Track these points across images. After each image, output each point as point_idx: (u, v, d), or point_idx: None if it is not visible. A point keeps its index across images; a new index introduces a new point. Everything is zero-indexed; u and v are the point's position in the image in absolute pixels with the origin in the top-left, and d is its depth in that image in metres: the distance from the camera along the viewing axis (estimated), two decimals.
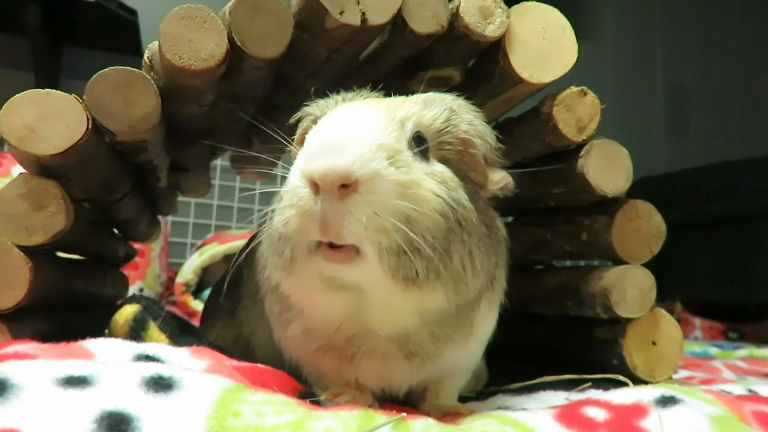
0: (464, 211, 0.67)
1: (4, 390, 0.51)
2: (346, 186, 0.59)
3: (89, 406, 0.51)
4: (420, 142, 0.69)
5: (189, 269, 2.43)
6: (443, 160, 0.71)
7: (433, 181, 0.66)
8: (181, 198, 1.54)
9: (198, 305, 2.32)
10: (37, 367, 0.56)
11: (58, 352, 0.66)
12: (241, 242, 1.90)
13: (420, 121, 0.70)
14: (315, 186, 0.60)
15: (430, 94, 0.75)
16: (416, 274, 0.63)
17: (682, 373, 1.30)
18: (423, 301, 0.67)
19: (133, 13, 2.50)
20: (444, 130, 0.71)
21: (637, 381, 0.92)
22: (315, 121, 0.74)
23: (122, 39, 2.52)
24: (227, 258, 2.37)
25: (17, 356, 0.62)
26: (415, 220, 0.62)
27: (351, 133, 0.62)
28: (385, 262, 0.62)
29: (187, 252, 2.82)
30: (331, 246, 0.62)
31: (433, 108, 0.72)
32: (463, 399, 0.87)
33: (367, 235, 0.60)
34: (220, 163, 2.79)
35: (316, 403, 0.66)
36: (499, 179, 0.74)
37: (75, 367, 0.56)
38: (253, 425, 0.54)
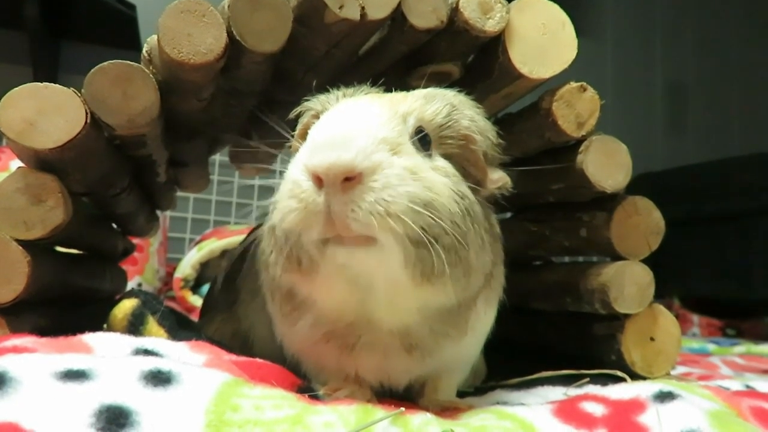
0: (469, 204, 0.68)
1: (3, 384, 0.51)
2: (349, 179, 0.59)
3: (88, 399, 0.51)
4: (422, 137, 0.69)
5: (187, 264, 2.42)
6: (445, 156, 0.71)
7: (437, 174, 0.66)
8: (179, 193, 1.54)
9: (197, 300, 2.32)
10: (35, 360, 0.56)
11: (56, 346, 0.66)
12: (240, 237, 1.90)
13: (422, 116, 0.70)
14: (318, 180, 0.60)
15: (430, 90, 0.75)
16: (432, 270, 0.62)
17: (680, 370, 1.30)
18: (431, 297, 0.67)
19: (131, 7, 2.49)
20: (445, 125, 0.71)
21: (635, 377, 0.93)
22: (316, 116, 0.74)
23: (121, 33, 2.51)
24: (226, 253, 2.36)
25: (16, 350, 0.62)
26: (429, 202, 0.62)
27: (354, 127, 0.62)
28: (408, 254, 0.61)
29: (186, 247, 2.82)
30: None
31: (434, 103, 0.72)
32: (461, 394, 0.87)
33: (377, 222, 0.59)
34: (218, 158, 2.78)
35: (315, 397, 0.67)
36: (498, 178, 0.75)
37: (74, 361, 0.56)
38: (252, 419, 0.54)
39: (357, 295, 0.66)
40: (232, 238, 2.42)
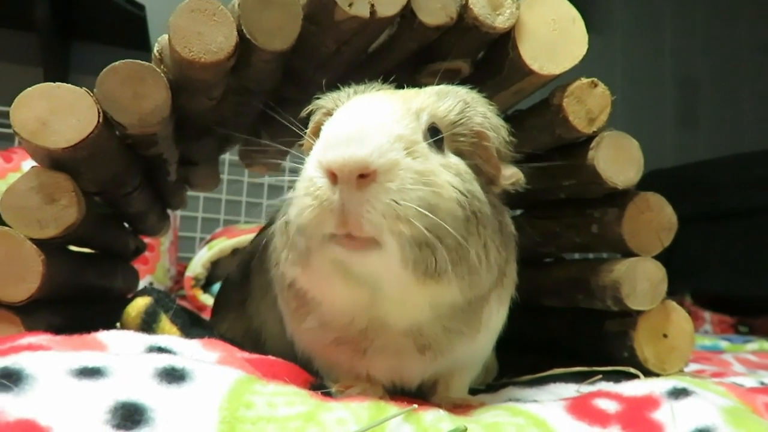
0: (479, 203, 0.68)
1: (20, 380, 0.51)
2: (364, 176, 0.59)
3: (103, 396, 0.51)
4: (435, 134, 0.69)
5: (198, 263, 2.44)
6: (457, 153, 0.71)
7: (449, 172, 0.66)
8: (189, 192, 1.54)
9: (207, 299, 2.33)
10: (51, 358, 0.56)
11: (71, 344, 0.67)
12: (250, 236, 1.91)
13: (434, 113, 0.70)
14: (333, 176, 0.60)
15: (442, 87, 0.74)
16: (435, 269, 0.63)
17: (693, 367, 1.29)
18: (438, 294, 0.67)
19: (140, 7, 2.50)
20: (458, 122, 0.71)
21: (648, 374, 0.92)
22: (328, 114, 0.74)
23: (130, 33, 2.53)
24: (236, 252, 2.37)
25: (31, 348, 0.62)
26: (436, 207, 0.62)
27: (369, 123, 0.62)
28: (406, 255, 0.61)
29: (196, 246, 2.83)
30: (348, 236, 0.62)
31: (446, 100, 0.72)
32: (473, 391, 0.87)
33: (387, 224, 0.59)
34: (228, 157, 2.79)
35: (327, 394, 0.67)
36: (511, 174, 0.74)
37: (88, 359, 0.57)
38: (265, 416, 0.54)
39: (364, 297, 0.67)
40: (243, 236, 2.43)
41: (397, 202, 0.60)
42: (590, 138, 0.93)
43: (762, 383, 0.97)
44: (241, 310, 1.04)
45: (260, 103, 1.06)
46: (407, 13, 0.85)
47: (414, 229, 0.60)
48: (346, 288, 0.66)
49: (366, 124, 0.62)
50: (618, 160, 0.93)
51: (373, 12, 0.82)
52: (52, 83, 0.77)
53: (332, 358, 0.75)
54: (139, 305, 0.92)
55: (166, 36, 0.82)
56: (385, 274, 0.64)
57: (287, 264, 0.70)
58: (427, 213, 0.60)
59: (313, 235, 0.63)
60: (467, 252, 0.65)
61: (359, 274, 0.64)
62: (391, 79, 0.81)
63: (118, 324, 0.96)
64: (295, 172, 0.69)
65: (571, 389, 0.86)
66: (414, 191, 0.61)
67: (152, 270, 2.37)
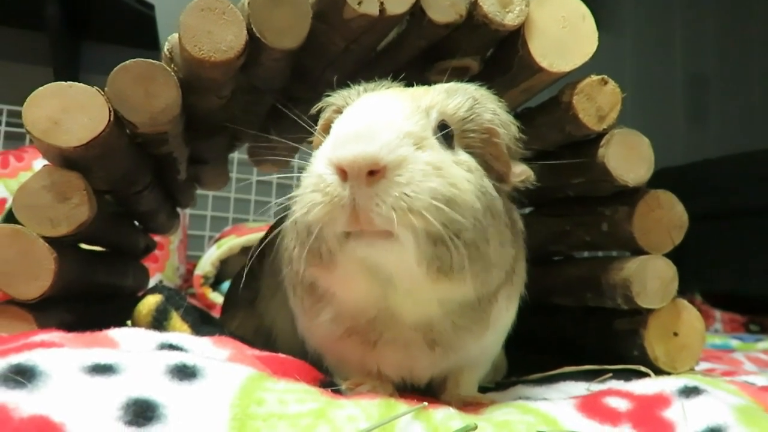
0: (492, 198, 0.67)
1: (33, 377, 0.52)
2: (374, 173, 0.59)
3: (116, 393, 0.52)
4: (445, 131, 0.69)
5: (207, 262, 2.45)
6: (467, 150, 0.71)
7: (460, 168, 0.66)
8: (199, 191, 1.55)
9: (217, 297, 2.34)
10: (63, 355, 0.57)
11: (83, 341, 0.67)
12: (259, 234, 1.92)
13: (444, 109, 0.70)
14: (343, 173, 0.60)
15: (452, 84, 0.75)
16: (450, 266, 0.62)
17: (703, 366, 1.29)
18: (449, 291, 0.67)
19: (150, 6, 2.52)
20: (468, 119, 0.71)
21: (659, 372, 0.92)
22: (337, 111, 0.75)
23: (139, 33, 2.54)
24: (245, 250, 2.38)
25: (44, 345, 0.63)
26: (452, 199, 0.62)
27: (378, 120, 0.63)
28: (422, 251, 0.61)
29: (206, 244, 2.84)
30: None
31: (456, 97, 0.72)
32: (482, 390, 0.87)
33: (398, 218, 0.59)
34: (237, 156, 2.80)
35: (337, 392, 0.67)
36: (521, 172, 0.74)
37: (100, 356, 0.57)
38: (276, 413, 0.54)
39: (378, 289, 0.66)
40: (251, 235, 2.44)
41: (407, 195, 0.59)
42: (600, 135, 0.93)
43: None
44: (251, 308, 1.04)
45: (269, 101, 1.06)
46: (416, 11, 0.85)
47: (426, 222, 0.60)
48: (366, 282, 0.66)
49: (375, 121, 0.62)
50: (628, 158, 0.92)
51: (382, 10, 0.82)
52: (63, 82, 0.78)
53: (343, 352, 0.75)
54: (150, 303, 0.93)
55: (176, 35, 0.82)
56: (398, 267, 0.63)
57: (302, 263, 0.69)
58: (442, 205, 0.60)
59: (329, 235, 0.63)
60: (487, 247, 0.65)
61: (376, 266, 0.64)
62: (401, 76, 0.81)
63: (129, 321, 0.97)
64: (304, 170, 0.69)
65: (581, 388, 0.86)
66: (426, 182, 0.61)
67: (162, 268, 2.38)
